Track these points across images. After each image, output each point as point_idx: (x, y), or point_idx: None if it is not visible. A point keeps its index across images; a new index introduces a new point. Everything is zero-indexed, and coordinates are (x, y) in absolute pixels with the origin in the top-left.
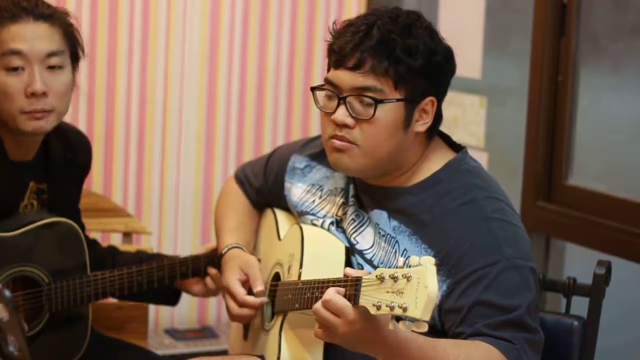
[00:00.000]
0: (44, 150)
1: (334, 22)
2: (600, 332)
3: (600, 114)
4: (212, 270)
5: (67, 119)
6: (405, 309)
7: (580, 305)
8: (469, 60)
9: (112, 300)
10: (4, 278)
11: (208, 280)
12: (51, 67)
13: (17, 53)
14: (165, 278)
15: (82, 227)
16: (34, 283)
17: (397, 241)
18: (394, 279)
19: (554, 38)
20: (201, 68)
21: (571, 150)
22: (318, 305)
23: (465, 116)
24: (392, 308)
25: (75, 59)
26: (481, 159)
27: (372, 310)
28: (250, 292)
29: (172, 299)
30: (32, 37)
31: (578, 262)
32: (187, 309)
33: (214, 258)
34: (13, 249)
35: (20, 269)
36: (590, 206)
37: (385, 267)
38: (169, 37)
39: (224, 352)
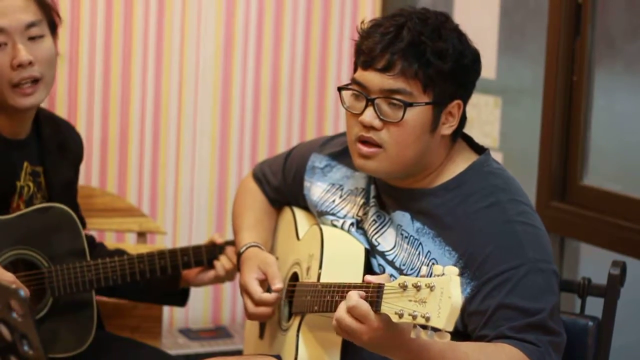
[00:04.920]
0: (35, 131)
1: (362, 22)
2: (614, 331)
3: (615, 114)
4: (224, 258)
5: (83, 119)
6: (428, 319)
7: (594, 306)
8: (483, 60)
9: (126, 300)
10: (4, 260)
11: (218, 266)
12: (32, 38)
13: None
14: (168, 267)
15: (82, 220)
16: (34, 266)
17: (420, 243)
18: (417, 287)
19: (568, 38)
20: (216, 69)
21: (586, 150)
22: (342, 312)
23: (479, 116)
24: (414, 317)
25: (53, 27)
26: (496, 159)
27: (394, 318)
28: (268, 290)
29: (179, 299)
30: (10, 11)
31: (593, 262)
32: (201, 309)
33: (215, 249)
34: (10, 232)
35: (18, 252)
36: (605, 206)
37: (408, 269)
38: (184, 39)
39: (239, 352)
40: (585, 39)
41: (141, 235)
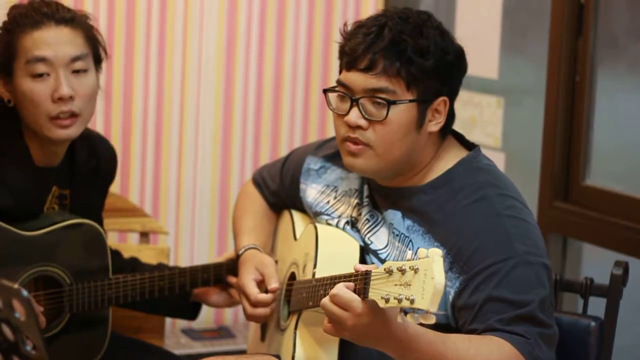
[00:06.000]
0: (69, 156)
1: (345, 24)
2: (617, 332)
3: (617, 114)
4: (233, 279)
5: None
6: (412, 301)
7: (597, 306)
8: (486, 60)
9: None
10: (26, 277)
11: (233, 291)
12: (76, 71)
13: (42, 60)
14: (187, 284)
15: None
16: (56, 283)
17: (410, 240)
18: (402, 271)
19: (571, 38)
20: (218, 68)
21: (588, 150)
22: (326, 299)
23: (482, 116)
24: (400, 300)
25: (97, 61)
26: (498, 159)
27: (381, 304)
28: (266, 292)
29: (191, 313)
30: (56, 42)
31: (595, 262)
32: (204, 309)
33: (235, 267)
34: (36, 249)
35: (42, 268)
36: (607, 206)
37: None
38: (186, 38)
39: (241, 352)
40: (587, 39)
41: (144, 236)
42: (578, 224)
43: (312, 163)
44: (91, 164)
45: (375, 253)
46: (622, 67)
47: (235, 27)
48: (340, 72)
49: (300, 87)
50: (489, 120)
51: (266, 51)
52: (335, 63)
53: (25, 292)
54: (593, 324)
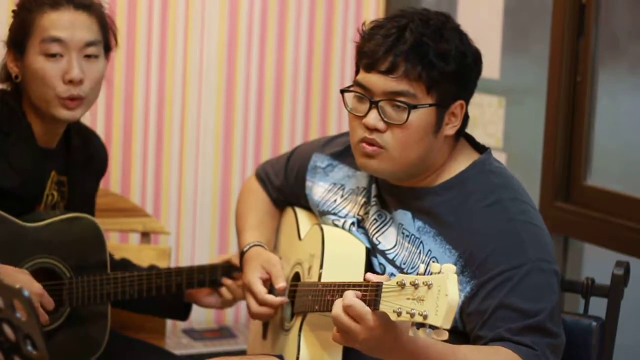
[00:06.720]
0: (64, 141)
1: (363, 23)
2: (618, 331)
3: (618, 114)
4: (228, 281)
5: (86, 118)
6: (425, 317)
7: (598, 306)
8: (487, 60)
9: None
10: (27, 268)
11: (224, 290)
12: (87, 56)
13: (57, 40)
14: (183, 284)
15: None
16: (56, 276)
17: (421, 242)
18: (415, 285)
19: (572, 38)
20: (219, 68)
21: (590, 150)
22: (338, 310)
23: (483, 116)
24: (412, 315)
25: (107, 50)
26: (499, 159)
27: (393, 317)
28: (271, 290)
29: (182, 314)
30: (73, 25)
31: (596, 262)
32: (205, 309)
33: (231, 269)
34: (36, 241)
35: (42, 260)
36: (608, 207)
37: (409, 268)
38: (188, 37)
39: (242, 352)
40: (589, 39)
41: (145, 235)
42: (579, 224)
43: (319, 161)
44: (85, 151)
45: (383, 253)
46: (623, 67)
47: (237, 27)
48: (356, 72)
49: (302, 86)
50: (490, 120)
51: (267, 51)
52: (336, 63)
53: (26, 292)
54: (594, 324)
